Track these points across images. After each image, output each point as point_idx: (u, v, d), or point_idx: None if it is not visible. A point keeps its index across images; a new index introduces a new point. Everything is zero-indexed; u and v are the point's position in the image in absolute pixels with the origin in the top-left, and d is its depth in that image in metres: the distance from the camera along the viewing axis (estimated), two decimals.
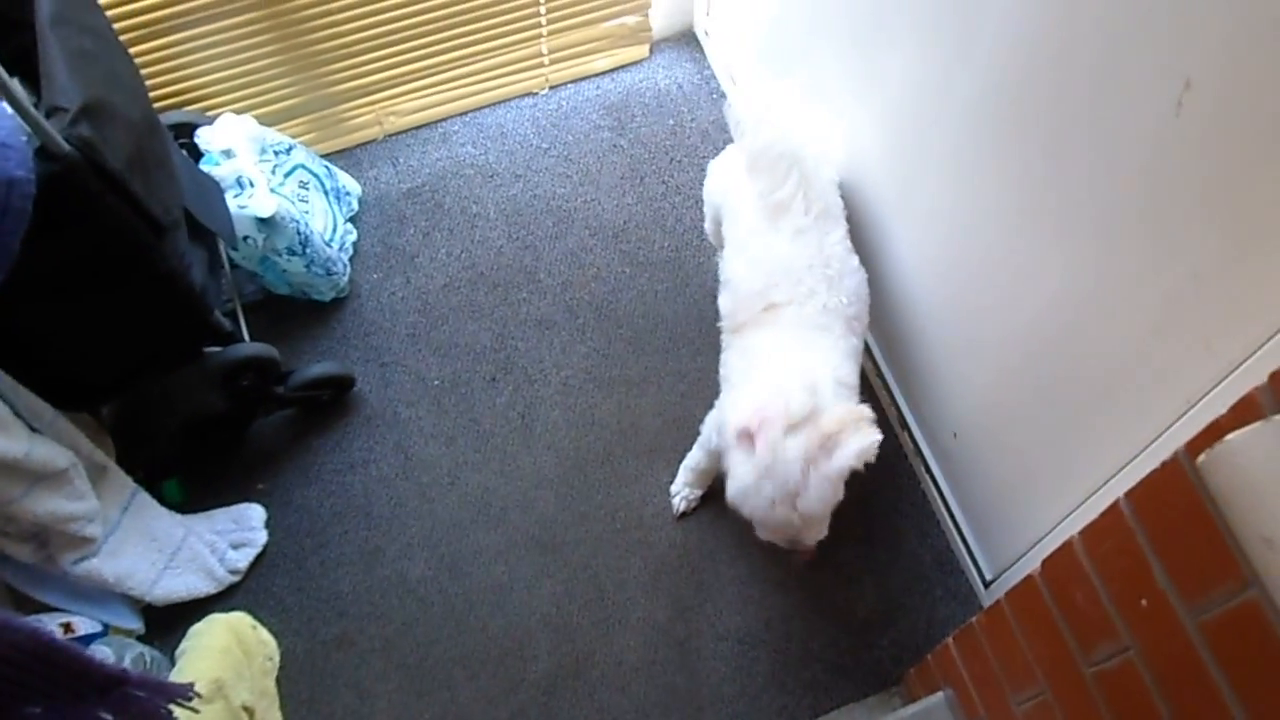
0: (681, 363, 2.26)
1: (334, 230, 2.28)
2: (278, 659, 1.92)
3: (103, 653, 1.73)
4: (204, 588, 1.97)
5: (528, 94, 2.66)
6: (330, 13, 2.22)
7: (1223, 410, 0.91)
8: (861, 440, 1.48)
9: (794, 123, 1.81)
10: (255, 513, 2.08)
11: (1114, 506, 1.09)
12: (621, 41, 2.65)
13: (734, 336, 1.81)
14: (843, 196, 1.89)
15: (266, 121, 2.24)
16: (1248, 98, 1.02)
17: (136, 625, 1.91)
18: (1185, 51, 1.07)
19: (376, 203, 2.50)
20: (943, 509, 2.05)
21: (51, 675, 1.00)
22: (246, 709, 1.72)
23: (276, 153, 2.19)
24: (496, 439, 2.19)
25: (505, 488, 2.13)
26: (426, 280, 2.38)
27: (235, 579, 2.02)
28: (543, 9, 2.44)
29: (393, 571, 2.05)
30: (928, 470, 2.07)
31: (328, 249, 2.20)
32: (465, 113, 2.63)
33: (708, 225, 2.20)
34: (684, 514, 2.08)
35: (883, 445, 1.50)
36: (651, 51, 2.73)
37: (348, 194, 2.42)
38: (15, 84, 1.28)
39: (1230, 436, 0.80)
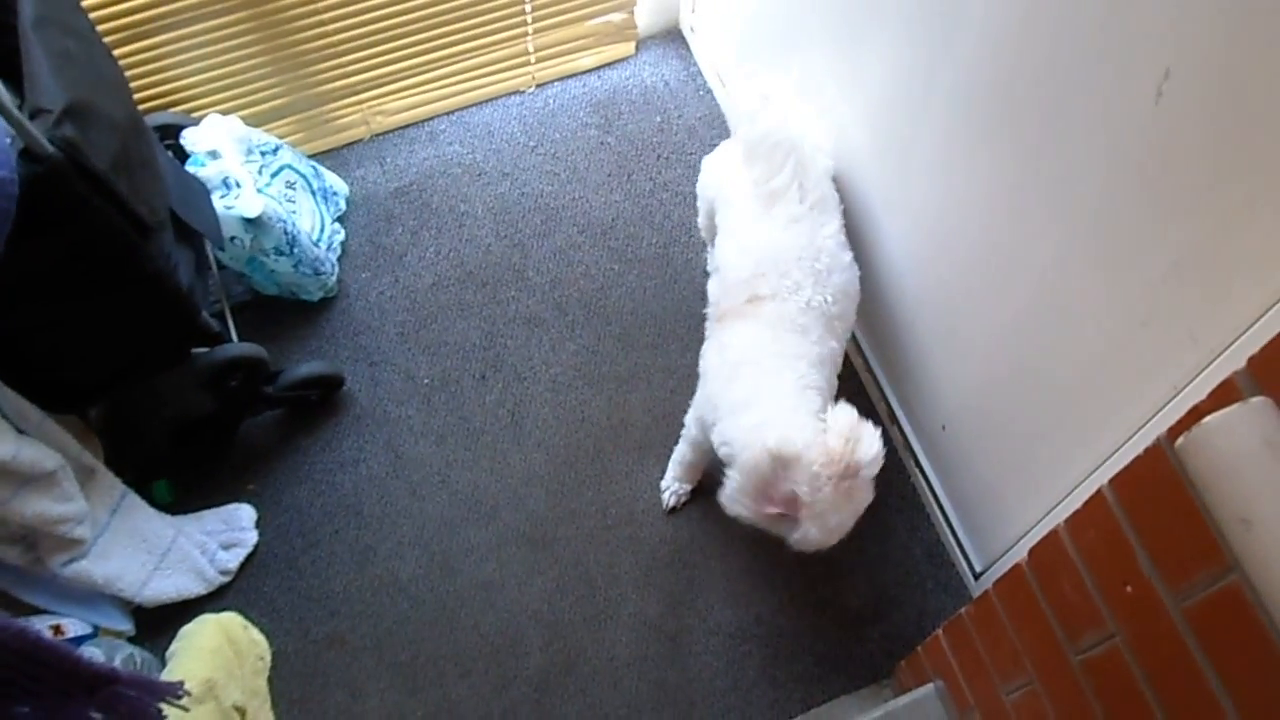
0: (671, 359, 2.26)
1: (321, 230, 2.28)
2: (269, 659, 1.92)
3: (93, 654, 1.72)
4: (194, 589, 1.96)
5: (514, 92, 2.66)
6: (316, 12, 2.22)
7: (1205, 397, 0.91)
8: (870, 442, 1.50)
9: (791, 113, 1.82)
10: (245, 513, 2.07)
11: (1098, 494, 1.09)
12: (607, 39, 2.66)
13: (717, 326, 1.82)
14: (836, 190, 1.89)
15: (252, 122, 2.24)
16: (1226, 86, 1.02)
17: (127, 627, 1.91)
18: (1165, 41, 1.08)
19: (364, 202, 2.49)
20: (932, 502, 2.06)
21: (39, 674, 1.00)
22: (238, 709, 1.72)
23: (263, 153, 2.19)
24: (486, 437, 2.19)
25: (495, 485, 2.14)
26: (415, 279, 2.38)
27: (226, 580, 2.01)
28: (528, 7, 2.44)
29: (384, 570, 2.05)
30: (917, 464, 2.08)
31: (315, 249, 2.20)
32: (452, 111, 2.63)
33: (700, 220, 2.21)
34: (674, 509, 2.08)
35: None
36: (637, 49, 2.73)
37: (335, 194, 2.42)
38: None
39: (1207, 419, 0.81)
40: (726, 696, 1.92)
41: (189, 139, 2.07)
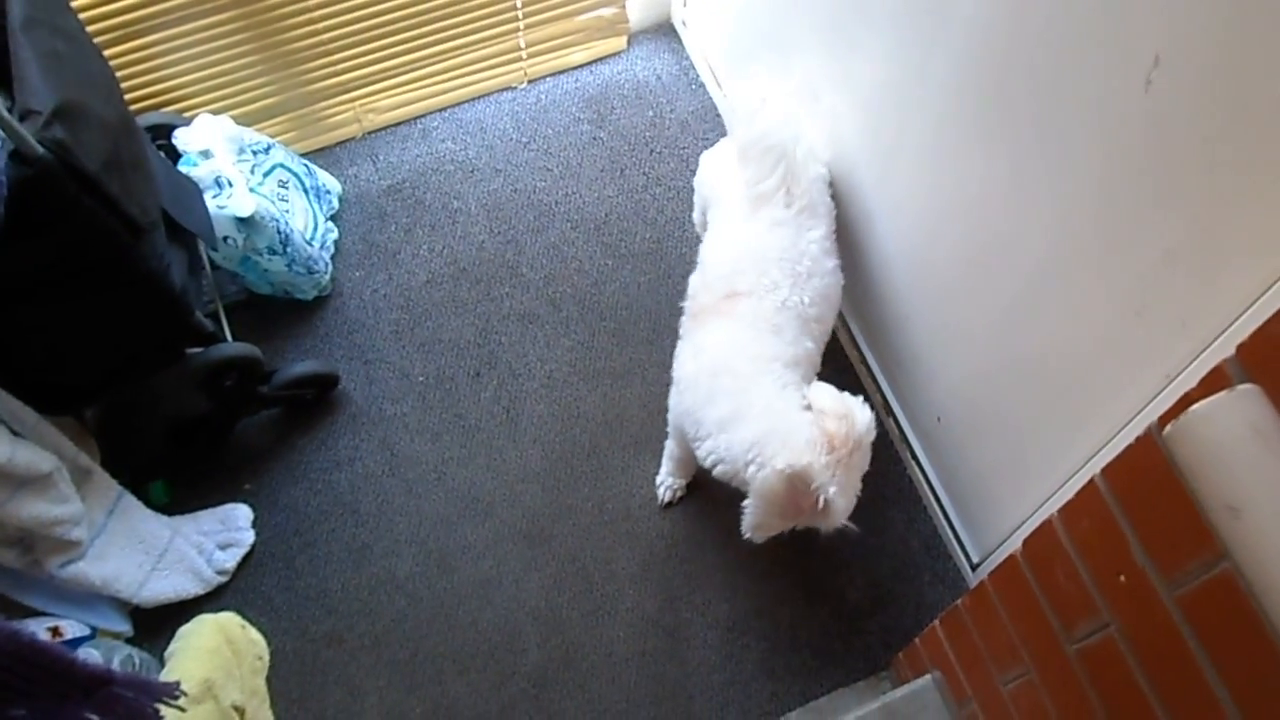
0: (665, 354, 2.24)
1: (315, 229, 2.27)
2: (267, 658, 1.92)
3: (91, 656, 1.73)
4: (192, 589, 1.96)
5: (506, 88, 2.66)
6: (306, 10, 2.21)
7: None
8: (861, 411, 1.56)
9: (787, 117, 1.82)
10: (242, 513, 2.07)
11: (1090, 484, 1.09)
12: (599, 34, 2.65)
13: (692, 325, 1.82)
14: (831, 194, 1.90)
15: (244, 121, 2.23)
16: (1215, 73, 1.02)
17: (125, 628, 1.91)
18: (1153, 27, 1.07)
19: (357, 200, 2.49)
20: (929, 494, 2.06)
21: (35, 677, 1.00)
22: (237, 708, 1.72)
23: (255, 152, 2.18)
24: (482, 434, 2.19)
25: (492, 482, 2.14)
26: (409, 277, 2.38)
27: (223, 579, 2.01)
28: (519, 2, 2.43)
29: (381, 568, 2.05)
30: (913, 456, 2.08)
31: (309, 248, 2.19)
32: (444, 108, 2.62)
33: (696, 215, 2.22)
34: (670, 503, 2.09)
35: None
36: (629, 43, 2.72)
37: (328, 192, 2.41)
38: None
39: (1194, 407, 0.81)
40: (725, 690, 1.92)
41: (181, 139, 2.06)
